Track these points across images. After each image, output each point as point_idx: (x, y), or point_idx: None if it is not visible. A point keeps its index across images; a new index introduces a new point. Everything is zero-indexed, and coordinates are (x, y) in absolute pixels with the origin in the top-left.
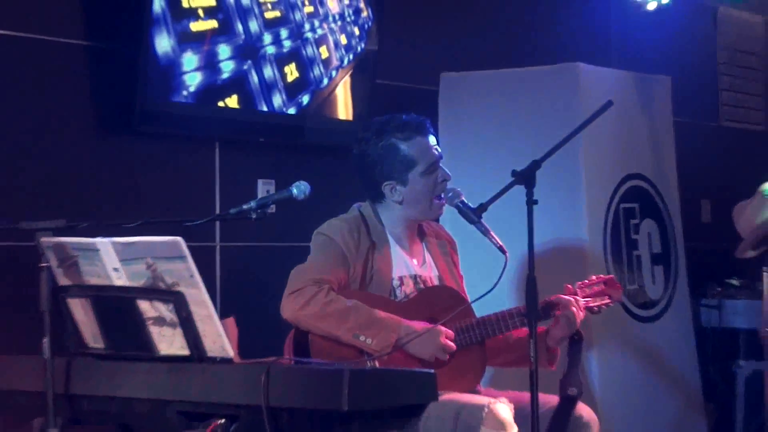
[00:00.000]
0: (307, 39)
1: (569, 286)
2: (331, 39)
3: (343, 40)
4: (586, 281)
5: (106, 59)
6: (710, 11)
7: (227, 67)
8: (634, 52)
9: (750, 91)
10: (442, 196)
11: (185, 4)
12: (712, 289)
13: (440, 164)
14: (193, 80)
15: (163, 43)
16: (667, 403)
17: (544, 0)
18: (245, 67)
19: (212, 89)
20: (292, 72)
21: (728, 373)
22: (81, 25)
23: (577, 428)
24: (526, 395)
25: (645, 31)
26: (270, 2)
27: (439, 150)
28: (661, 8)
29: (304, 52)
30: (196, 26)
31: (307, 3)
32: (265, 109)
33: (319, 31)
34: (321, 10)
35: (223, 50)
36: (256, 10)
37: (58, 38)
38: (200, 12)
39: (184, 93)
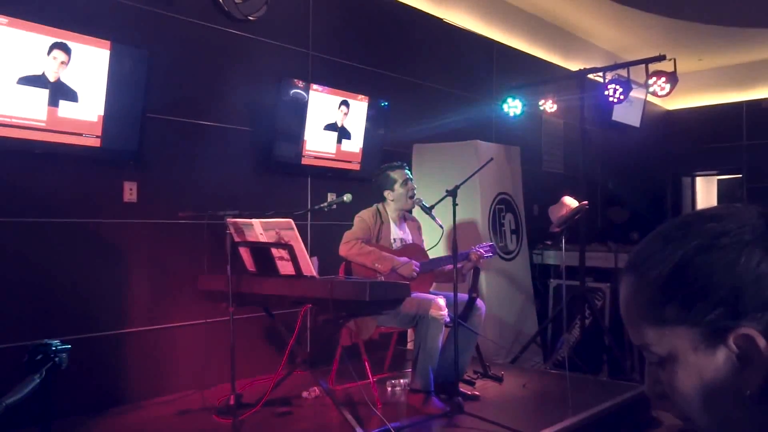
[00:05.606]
0: (352, 126)
1: (473, 246)
2: (366, 127)
3: (372, 127)
4: (482, 244)
5: (258, 137)
6: (537, 116)
7: (307, 144)
8: (504, 134)
9: (556, 153)
10: (413, 197)
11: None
12: (538, 246)
13: (411, 182)
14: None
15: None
16: (516, 300)
17: (464, 102)
18: (315, 144)
19: (300, 155)
20: (343, 147)
21: (545, 285)
22: (247, 119)
23: (474, 310)
24: (451, 294)
25: (510, 124)
26: (331, 111)
27: (412, 176)
28: (518, 115)
29: (351, 133)
30: (290, 118)
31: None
32: (330, 166)
33: (360, 123)
34: (364, 112)
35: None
36: (324, 112)
37: (236, 126)
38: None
39: (291, 155)
